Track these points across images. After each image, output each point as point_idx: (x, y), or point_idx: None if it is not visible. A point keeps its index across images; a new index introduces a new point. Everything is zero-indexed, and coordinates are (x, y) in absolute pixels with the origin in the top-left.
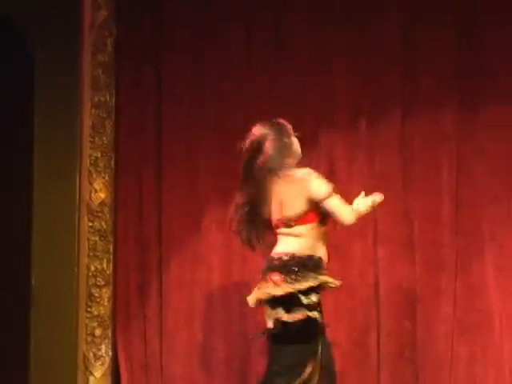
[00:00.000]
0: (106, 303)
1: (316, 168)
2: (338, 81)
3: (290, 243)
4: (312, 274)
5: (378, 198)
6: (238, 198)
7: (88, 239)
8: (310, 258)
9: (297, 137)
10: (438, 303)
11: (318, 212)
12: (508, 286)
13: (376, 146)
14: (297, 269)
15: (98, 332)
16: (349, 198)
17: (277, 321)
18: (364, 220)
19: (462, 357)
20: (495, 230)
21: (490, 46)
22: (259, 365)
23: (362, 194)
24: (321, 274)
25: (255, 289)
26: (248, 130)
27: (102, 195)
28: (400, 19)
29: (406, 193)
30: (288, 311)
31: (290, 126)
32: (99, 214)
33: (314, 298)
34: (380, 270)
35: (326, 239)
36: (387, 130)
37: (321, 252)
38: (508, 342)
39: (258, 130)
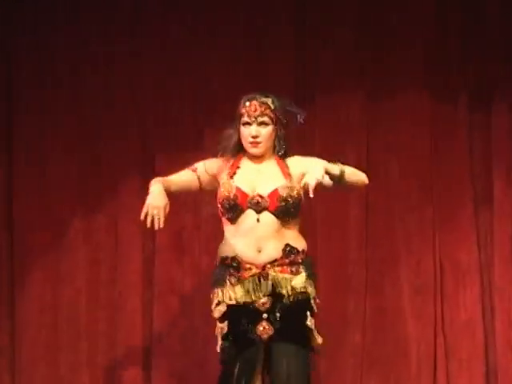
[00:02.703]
0: None
1: None
2: (220, 70)
3: None
4: None
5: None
6: None
7: None
8: None
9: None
10: (343, 329)
11: None
12: (426, 309)
13: None
14: None
15: None
16: None
17: None
18: None
19: None
20: (412, 242)
21: None
22: None
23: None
24: None
25: None
26: (108, 119)
27: None
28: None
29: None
30: None
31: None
32: None
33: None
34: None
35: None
36: None
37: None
38: (426, 375)
39: None
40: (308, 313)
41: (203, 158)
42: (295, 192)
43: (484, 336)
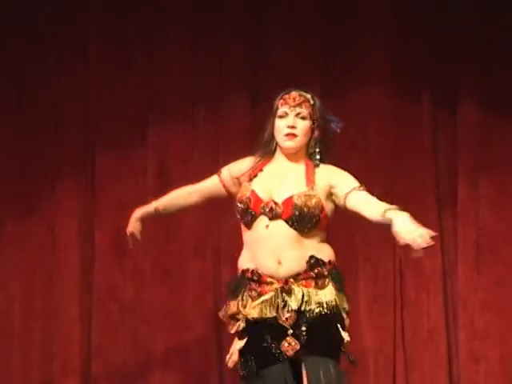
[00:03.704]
0: None
1: (143, 169)
2: (169, 59)
3: None
4: None
5: None
6: None
7: None
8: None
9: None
10: None
11: None
12: (385, 318)
13: (219, 140)
14: None
15: None
16: None
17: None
18: (203, 233)
19: None
20: (370, 247)
21: None
22: None
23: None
24: None
25: None
26: (45, 114)
27: None
28: None
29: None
30: None
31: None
32: None
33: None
34: (223, 297)
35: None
36: (233, 120)
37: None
38: None
39: None
40: (339, 325)
41: (146, 156)
42: (314, 201)
43: (447, 347)
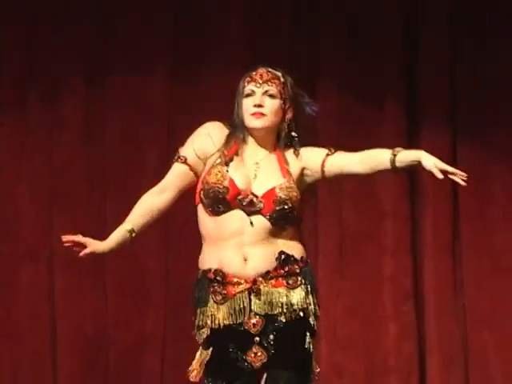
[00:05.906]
0: None
1: None
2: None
3: None
4: None
5: None
6: None
7: None
8: None
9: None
10: (139, 352)
11: None
12: None
13: (53, 130)
14: None
15: None
16: None
17: None
18: (36, 234)
19: None
20: None
21: None
22: None
23: None
24: None
25: None
26: None
27: None
28: None
29: (93, 192)
30: None
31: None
32: None
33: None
34: (58, 306)
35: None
36: (68, 107)
37: None
38: None
39: None
40: (307, 333)
41: None
42: (295, 194)
43: None
